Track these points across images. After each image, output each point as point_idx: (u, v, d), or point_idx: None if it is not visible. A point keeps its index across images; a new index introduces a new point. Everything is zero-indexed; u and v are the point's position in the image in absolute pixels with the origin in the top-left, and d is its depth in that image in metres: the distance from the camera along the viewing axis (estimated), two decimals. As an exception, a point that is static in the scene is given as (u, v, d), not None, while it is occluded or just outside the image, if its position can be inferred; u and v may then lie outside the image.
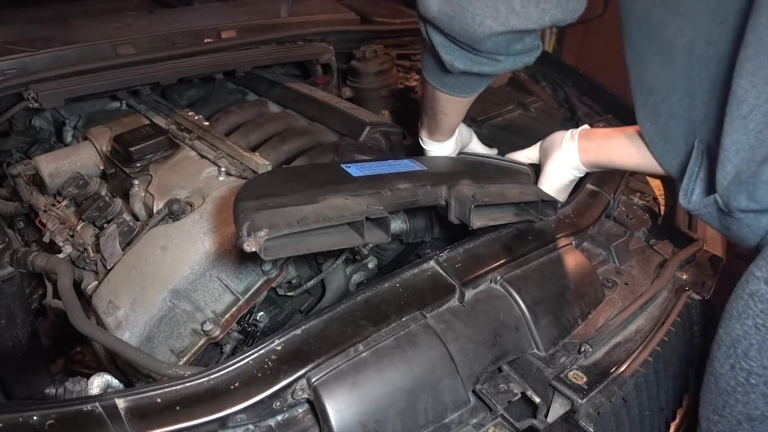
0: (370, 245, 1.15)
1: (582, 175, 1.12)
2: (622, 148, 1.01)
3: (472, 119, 1.42)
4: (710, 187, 0.78)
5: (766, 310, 0.68)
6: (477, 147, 1.26)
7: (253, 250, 0.75)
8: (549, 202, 1.06)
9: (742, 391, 0.73)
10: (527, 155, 1.21)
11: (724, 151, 0.70)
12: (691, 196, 0.81)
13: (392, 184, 0.97)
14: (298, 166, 1.24)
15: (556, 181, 1.12)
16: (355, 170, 1.00)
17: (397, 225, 1.25)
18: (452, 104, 1.04)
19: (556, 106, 1.76)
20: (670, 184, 1.41)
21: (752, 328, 0.70)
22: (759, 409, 0.73)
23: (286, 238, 0.79)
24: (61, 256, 1.16)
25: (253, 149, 1.38)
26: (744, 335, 0.72)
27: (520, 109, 1.70)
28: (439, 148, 1.18)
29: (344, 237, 0.85)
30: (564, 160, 1.09)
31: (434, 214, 1.27)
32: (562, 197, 1.15)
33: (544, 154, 1.16)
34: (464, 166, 1.16)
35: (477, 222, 0.97)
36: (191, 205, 1.12)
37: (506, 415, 0.84)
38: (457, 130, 1.17)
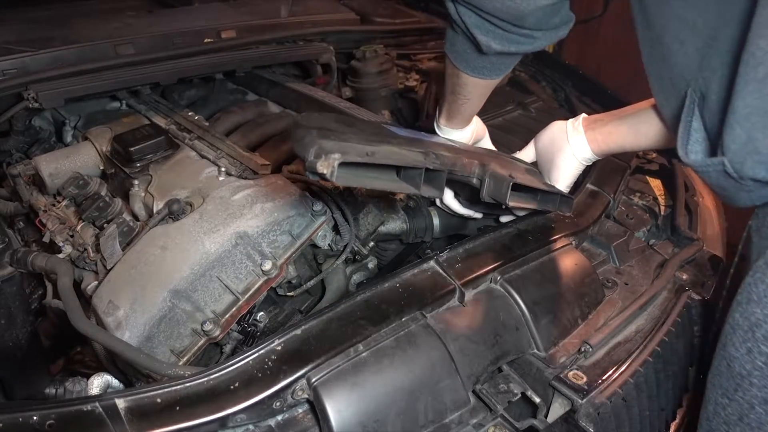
0: (425, 196, 1.08)
1: (590, 163, 1.13)
2: (631, 132, 1.02)
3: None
4: (711, 146, 0.76)
5: None
6: (488, 144, 1.26)
7: (326, 172, 0.72)
8: (566, 199, 1.08)
9: (759, 375, 0.73)
10: (523, 156, 1.21)
11: (733, 113, 0.67)
12: (687, 147, 0.78)
13: (434, 149, 0.95)
14: (344, 116, 1.23)
15: (569, 174, 1.13)
16: (398, 131, 1.00)
17: (397, 225, 1.25)
18: (478, 88, 1.04)
19: (556, 106, 1.76)
20: (671, 183, 1.41)
21: None
22: None
23: (354, 168, 0.77)
24: (61, 256, 1.15)
25: (253, 149, 1.38)
26: (765, 319, 0.71)
27: (520, 109, 1.70)
28: (457, 135, 1.18)
29: (403, 184, 0.85)
30: (576, 154, 1.09)
31: (434, 214, 1.27)
32: (569, 187, 1.16)
33: (547, 150, 1.15)
34: (486, 152, 1.17)
35: (512, 201, 0.97)
36: (191, 205, 1.12)
37: (506, 415, 0.84)
38: (475, 118, 1.18)
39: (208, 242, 1.03)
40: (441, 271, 0.96)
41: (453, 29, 0.92)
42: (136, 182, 1.22)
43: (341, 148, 0.76)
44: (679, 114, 0.79)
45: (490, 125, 1.55)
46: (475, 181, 0.98)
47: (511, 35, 0.83)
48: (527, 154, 1.21)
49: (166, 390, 0.75)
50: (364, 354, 0.81)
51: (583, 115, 1.12)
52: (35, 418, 0.72)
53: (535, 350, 0.94)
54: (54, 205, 1.30)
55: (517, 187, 0.98)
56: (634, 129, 1.01)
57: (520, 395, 0.87)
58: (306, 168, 0.76)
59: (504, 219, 1.19)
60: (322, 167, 0.73)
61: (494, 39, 0.84)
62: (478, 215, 1.21)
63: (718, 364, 0.80)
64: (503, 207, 0.98)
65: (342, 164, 0.75)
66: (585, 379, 0.89)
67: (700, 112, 0.76)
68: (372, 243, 1.23)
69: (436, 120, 1.18)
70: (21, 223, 1.43)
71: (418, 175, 0.83)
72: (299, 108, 1.61)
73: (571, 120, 1.12)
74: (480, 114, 1.28)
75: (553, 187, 1.11)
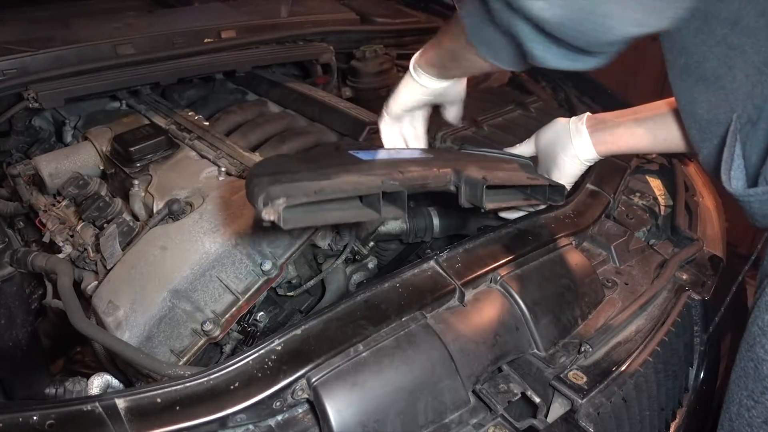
0: (385, 220, 1.11)
1: (592, 164, 1.12)
2: (649, 136, 1.00)
3: (472, 119, 1.42)
4: (753, 174, 0.74)
5: None
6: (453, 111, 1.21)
7: (272, 218, 0.73)
8: (556, 188, 1.06)
9: None
10: (522, 151, 1.20)
11: None
12: (731, 174, 0.74)
13: (402, 168, 0.95)
14: (307, 152, 1.22)
15: (571, 174, 1.12)
16: (363, 155, 1.00)
17: (396, 225, 1.25)
18: (488, 68, 0.96)
19: (556, 106, 1.76)
20: (671, 183, 1.41)
21: None
22: None
23: (304, 207, 0.77)
24: (61, 256, 1.16)
25: (253, 149, 1.38)
26: None
27: (520, 109, 1.70)
28: (433, 84, 1.07)
29: (361, 211, 0.84)
30: (580, 155, 1.09)
31: (434, 214, 1.27)
32: (571, 185, 1.15)
33: (549, 148, 1.14)
34: (468, 156, 1.15)
35: (489, 204, 0.94)
36: (191, 205, 1.12)
37: (506, 415, 0.84)
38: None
39: (208, 242, 1.03)
40: (441, 271, 0.96)
41: (487, 24, 0.81)
42: (136, 182, 1.22)
43: (288, 191, 0.76)
44: (712, 137, 0.78)
45: (491, 125, 1.55)
46: (452, 188, 0.98)
47: (574, 54, 0.74)
48: (526, 149, 1.20)
49: (166, 390, 0.75)
50: (364, 354, 0.81)
51: (587, 114, 1.11)
52: (35, 418, 0.72)
53: (535, 350, 0.94)
54: (54, 205, 1.30)
55: (499, 186, 0.98)
56: (652, 133, 0.99)
57: (520, 395, 0.87)
58: (255, 218, 0.76)
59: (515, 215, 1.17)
60: (268, 215, 0.73)
61: (551, 55, 0.74)
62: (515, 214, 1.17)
63: (744, 365, 0.79)
64: (482, 210, 0.97)
65: (290, 207, 0.75)
66: (585, 379, 0.89)
67: (744, 138, 0.74)
68: (372, 243, 1.23)
69: (416, 62, 1.06)
70: (21, 223, 1.43)
71: (377, 199, 0.83)
72: (299, 108, 1.61)
73: (574, 119, 1.10)
74: (480, 114, 1.28)
75: (540, 177, 1.10)
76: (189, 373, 0.79)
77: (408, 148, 1.13)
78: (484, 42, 0.87)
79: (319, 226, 0.81)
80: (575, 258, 1.08)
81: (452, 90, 1.11)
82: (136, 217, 1.22)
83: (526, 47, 0.75)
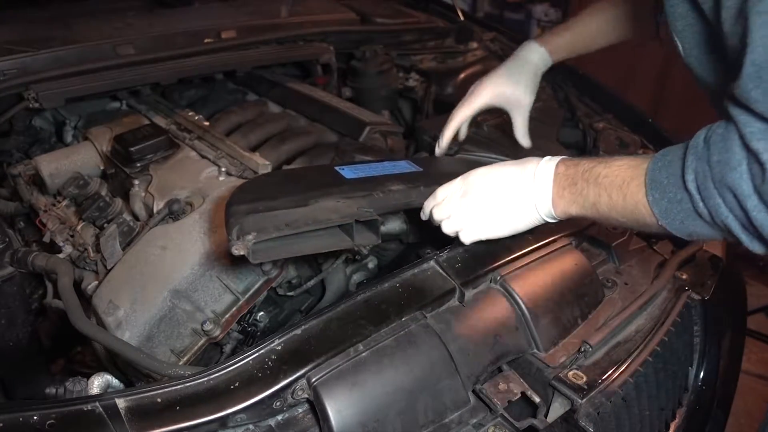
0: (364, 247, 1.12)
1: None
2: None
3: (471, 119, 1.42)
4: None
5: None
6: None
7: (242, 253, 0.75)
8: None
9: None
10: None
11: None
12: None
13: (385, 186, 0.97)
14: (292, 169, 1.23)
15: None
16: (348, 172, 1.00)
17: (396, 225, 1.24)
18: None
19: (556, 106, 1.75)
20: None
21: None
22: None
23: (275, 241, 0.79)
24: (61, 256, 1.16)
25: (253, 149, 1.38)
26: None
27: (520, 109, 1.70)
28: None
29: (335, 239, 0.85)
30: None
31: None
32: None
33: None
34: (461, 167, 1.14)
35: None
36: (191, 205, 1.12)
37: (506, 415, 0.84)
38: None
39: (208, 242, 1.03)
40: (441, 271, 0.96)
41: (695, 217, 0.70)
42: (136, 182, 1.22)
43: (260, 224, 0.78)
44: None
45: (491, 125, 1.55)
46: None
47: None
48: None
49: (166, 390, 0.76)
50: (364, 354, 0.81)
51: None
52: (35, 418, 0.72)
53: (535, 350, 0.94)
54: (54, 205, 1.30)
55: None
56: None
57: (520, 395, 0.87)
58: (227, 250, 0.78)
59: None
60: (238, 250, 0.75)
61: None
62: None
63: None
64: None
65: (260, 242, 0.77)
66: (585, 379, 0.89)
67: None
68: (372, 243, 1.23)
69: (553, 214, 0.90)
70: (21, 223, 1.43)
71: (351, 226, 0.84)
72: (299, 108, 1.61)
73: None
74: (480, 114, 1.28)
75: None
76: (189, 373, 0.79)
77: (404, 159, 1.12)
78: (692, 234, 0.75)
79: (291, 256, 0.83)
80: (575, 258, 1.08)
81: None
82: (136, 217, 1.22)
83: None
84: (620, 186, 0.78)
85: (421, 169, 1.08)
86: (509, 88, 1.18)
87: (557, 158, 0.89)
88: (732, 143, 0.63)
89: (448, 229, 0.97)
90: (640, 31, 1.19)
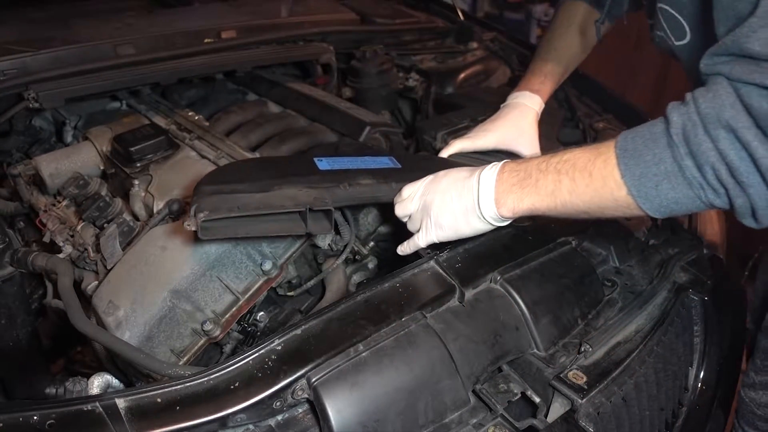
0: (315, 234, 1.06)
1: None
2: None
3: (471, 119, 1.42)
4: None
5: None
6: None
7: (193, 229, 0.82)
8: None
9: None
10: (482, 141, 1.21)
11: None
12: None
13: (354, 180, 0.99)
14: (269, 157, 1.25)
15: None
16: (324, 164, 1.02)
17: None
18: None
19: (556, 106, 1.75)
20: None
21: None
22: None
23: (227, 221, 0.84)
24: (61, 256, 1.16)
25: (253, 149, 1.38)
26: None
27: (520, 109, 1.70)
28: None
29: (288, 225, 0.89)
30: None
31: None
32: None
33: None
34: (441, 168, 1.06)
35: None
36: (191, 205, 1.12)
37: (506, 415, 0.84)
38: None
39: (208, 242, 1.03)
40: (441, 271, 0.96)
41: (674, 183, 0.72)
42: (136, 182, 1.22)
43: (215, 205, 0.84)
44: None
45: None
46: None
47: None
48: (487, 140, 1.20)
49: (166, 390, 0.76)
50: (364, 354, 0.81)
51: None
52: (35, 417, 0.72)
53: (535, 350, 0.94)
54: (54, 205, 1.30)
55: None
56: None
57: (520, 395, 0.87)
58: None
59: None
60: (189, 225, 0.82)
61: None
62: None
63: None
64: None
65: (211, 220, 0.83)
66: (585, 379, 0.89)
67: None
68: (372, 243, 1.23)
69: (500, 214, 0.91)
70: (21, 223, 1.43)
71: (305, 214, 0.88)
72: (299, 108, 1.61)
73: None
74: (480, 114, 1.28)
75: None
76: (189, 373, 0.79)
77: (386, 156, 1.13)
78: (663, 201, 0.75)
79: (241, 237, 0.91)
80: (575, 258, 1.08)
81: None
82: (136, 217, 1.22)
83: (760, 213, 0.70)
84: (584, 166, 0.79)
85: (400, 166, 1.08)
86: (514, 138, 1.21)
87: (501, 162, 0.91)
88: (720, 89, 0.66)
89: (409, 227, 0.99)
90: (589, 43, 1.29)
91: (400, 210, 0.99)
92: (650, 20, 1.02)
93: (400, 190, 1.00)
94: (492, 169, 0.90)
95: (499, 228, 1.06)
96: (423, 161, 1.18)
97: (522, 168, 0.87)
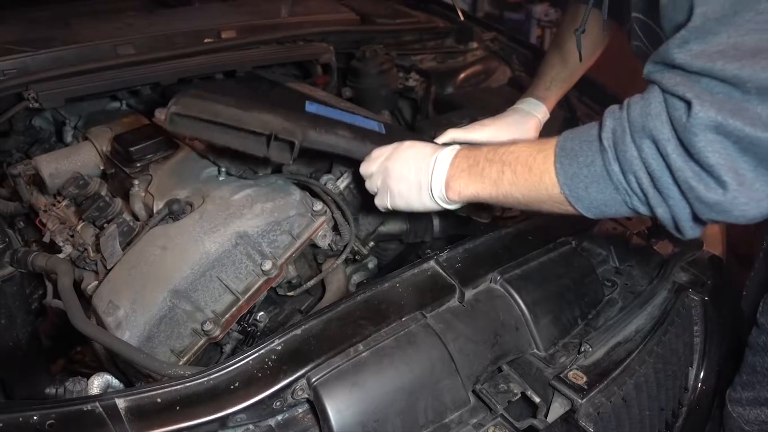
0: (272, 160, 1.04)
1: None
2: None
3: (471, 119, 1.42)
4: None
5: None
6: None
7: (161, 118, 0.84)
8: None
9: None
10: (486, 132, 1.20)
11: None
12: None
13: (332, 128, 0.98)
14: (268, 88, 1.26)
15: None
16: (312, 107, 1.03)
17: (396, 225, 1.25)
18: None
19: (556, 107, 1.75)
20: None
21: None
22: None
23: (195, 121, 0.86)
24: (61, 256, 1.15)
25: (253, 149, 1.38)
26: None
27: (520, 109, 1.70)
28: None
29: (250, 143, 0.91)
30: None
31: (434, 214, 1.27)
32: None
33: None
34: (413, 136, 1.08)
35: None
36: (191, 205, 1.12)
37: (506, 415, 0.84)
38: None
39: (208, 242, 1.03)
40: (441, 271, 0.96)
41: (601, 185, 0.73)
42: (136, 182, 1.22)
43: (190, 105, 0.85)
44: None
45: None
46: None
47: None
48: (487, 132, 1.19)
49: (166, 390, 0.76)
50: (364, 354, 0.81)
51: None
52: (35, 417, 0.72)
53: (535, 350, 0.94)
54: (54, 205, 1.30)
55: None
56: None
57: (520, 395, 0.87)
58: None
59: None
60: (160, 114, 0.85)
61: (697, 227, 0.71)
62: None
63: None
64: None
65: (181, 115, 0.85)
66: (585, 379, 0.89)
67: None
68: (372, 243, 1.23)
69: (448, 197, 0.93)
70: (21, 223, 1.43)
71: (269, 139, 0.89)
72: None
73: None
74: (480, 113, 1.28)
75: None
76: (189, 373, 0.79)
77: (369, 119, 1.13)
78: (593, 202, 0.76)
79: (204, 139, 0.96)
80: (575, 258, 1.08)
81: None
82: (136, 217, 1.22)
83: (681, 225, 0.71)
84: (526, 160, 0.80)
85: (384, 132, 1.08)
86: (508, 137, 1.18)
87: (459, 146, 0.93)
88: (651, 98, 0.68)
89: (367, 186, 1.01)
90: (597, 46, 1.27)
91: (363, 168, 1.01)
92: (627, 31, 1.02)
93: (371, 150, 1.00)
94: (450, 152, 0.91)
95: (498, 228, 1.06)
96: (408, 134, 1.18)
97: (473, 155, 0.89)
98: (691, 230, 0.71)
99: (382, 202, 0.99)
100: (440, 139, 1.19)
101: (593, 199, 0.74)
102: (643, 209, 0.72)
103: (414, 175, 0.93)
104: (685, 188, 0.65)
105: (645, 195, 0.70)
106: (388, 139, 1.03)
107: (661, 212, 0.70)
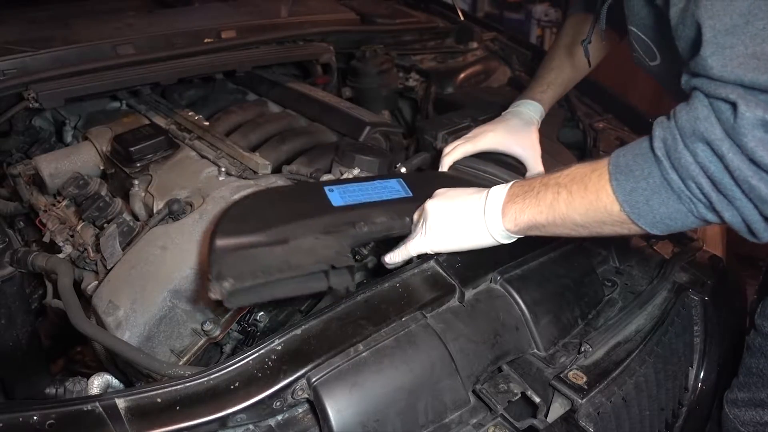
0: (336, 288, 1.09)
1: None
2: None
3: (471, 119, 1.42)
4: None
5: None
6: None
7: (217, 298, 0.77)
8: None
9: None
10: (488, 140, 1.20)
11: None
12: None
13: (369, 218, 0.96)
14: (279, 188, 1.19)
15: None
16: (336, 196, 0.99)
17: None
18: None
19: (556, 106, 1.75)
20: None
21: None
22: None
23: (253, 290, 0.81)
24: (61, 256, 1.15)
25: (253, 149, 1.38)
26: None
27: (520, 109, 1.70)
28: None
29: (310, 283, 0.85)
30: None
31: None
32: None
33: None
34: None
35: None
36: (191, 205, 1.12)
37: (506, 415, 0.84)
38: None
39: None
40: (441, 271, 0.96)
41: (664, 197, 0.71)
42: (136, 182, 1.22)
43: (238, 269, 0.79)
44: None
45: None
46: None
47: None
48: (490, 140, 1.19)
49: (166, 390, 0.76)
50: (364, 354, 0.81)
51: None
52: (35, 418, 0.72)
53: (535, 350, 0.94)
54: (54, 205, 1.30)
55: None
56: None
57: (520, 395, 0.87)
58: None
59: None
60: (214, 294, 0.77)
61: None
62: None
63: None
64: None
65: (238, 291, 0.79)
66: (585, 379, 0.89)
67: None
68: (372, 243, 1.23)
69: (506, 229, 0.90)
70: (21, 223, 1.43)
71: (327, 274, 0.85)
72: (299, 108, 1.61)
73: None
74: (480, 114, 1.28)
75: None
76: (189, 373, 0.79)
77: (395, 179, 1.10)
78: (656, 216, 0.74)
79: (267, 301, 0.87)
80: (575, 258, 1.08)
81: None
82: (136, 217, 1.22)
83: (755, 228, 0.68)
84: (581, 179, 0.79)
85: (411, 194, 1.06)
86: (515, 141, 1.20)
87: (513, 181, 0.91)
88: (697, 102, 0.67)
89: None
90: (596, 56, 1.25)
91: (413, 249, 0.97)
92: (630, 42, 1.02)
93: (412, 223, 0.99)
94: (502, 187, 0.90)
95: None
96: (431, 183, 1.15)
97: (526, 183, 0.87)
98: (765, 231, 0.68)
99: (421, 247, 0.95)
100: (450, 157, 1.18)
101: (656, 212, 0.72)
102: (710, 216, 0.70)
103: (462, 211, 0.91)
104: (746, 188, 0.64)
105: (709, 200, 0.68)
106: (417, 199, 1.01)
107: (730, 216, 0.68)
